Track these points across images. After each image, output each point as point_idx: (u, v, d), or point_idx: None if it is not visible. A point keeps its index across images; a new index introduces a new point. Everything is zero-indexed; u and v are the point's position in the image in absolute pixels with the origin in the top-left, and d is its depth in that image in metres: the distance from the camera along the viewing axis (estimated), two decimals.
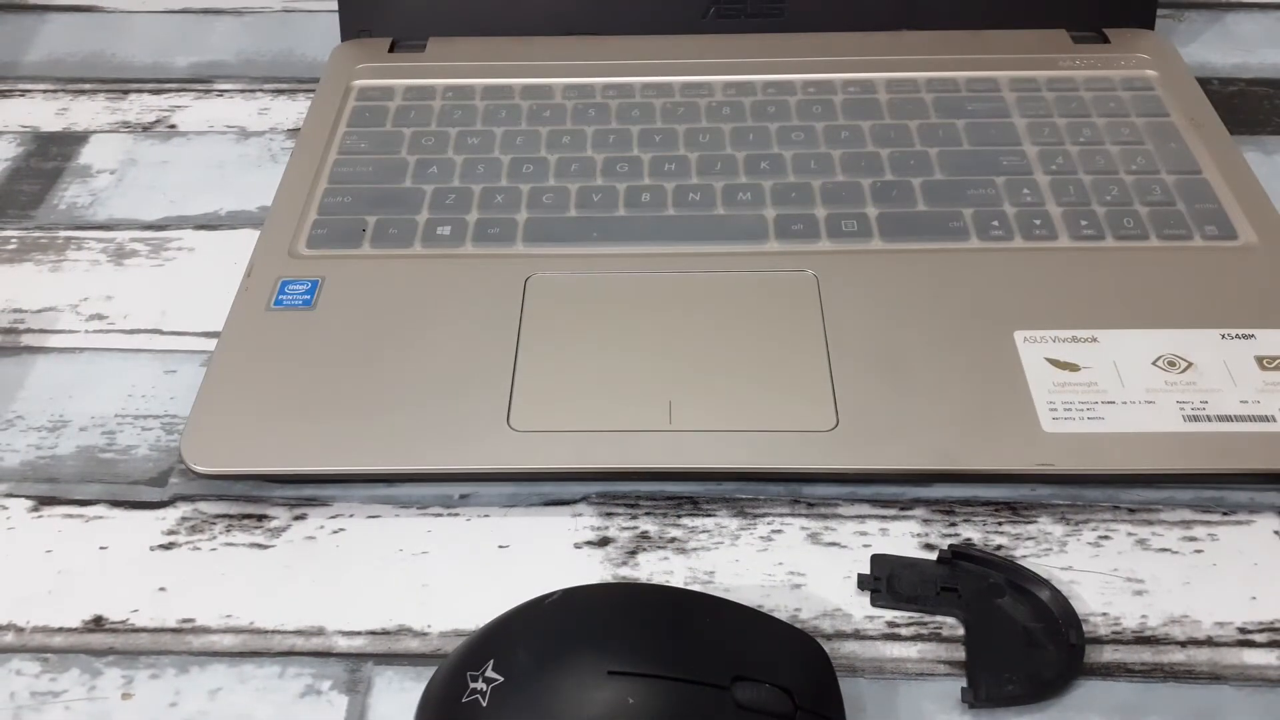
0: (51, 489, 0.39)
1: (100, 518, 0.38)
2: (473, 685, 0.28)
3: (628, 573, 0.36)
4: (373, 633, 0.35)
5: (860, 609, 0.35)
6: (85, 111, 0.56)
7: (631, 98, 0.52)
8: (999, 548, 0.37)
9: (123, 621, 0.35)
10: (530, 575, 0.36)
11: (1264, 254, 0.44)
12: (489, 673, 0.28)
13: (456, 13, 0.56)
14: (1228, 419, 0.38)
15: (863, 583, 0.35)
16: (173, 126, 0.55)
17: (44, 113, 0.56)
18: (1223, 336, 0.40)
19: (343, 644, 0.35)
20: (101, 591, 0.36)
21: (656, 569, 0.36)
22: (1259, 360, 0.39)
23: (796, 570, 0.36)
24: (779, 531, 0.37)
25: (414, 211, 0.47)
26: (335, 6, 0.56)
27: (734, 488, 0.38)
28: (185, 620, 0.35)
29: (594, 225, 0.46)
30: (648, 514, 0.38)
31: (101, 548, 0.37)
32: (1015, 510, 0.38)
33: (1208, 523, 0.37)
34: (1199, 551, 0.36)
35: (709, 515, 0.38)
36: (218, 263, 0.47)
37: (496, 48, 0.56)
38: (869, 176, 0.48)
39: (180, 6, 0.64)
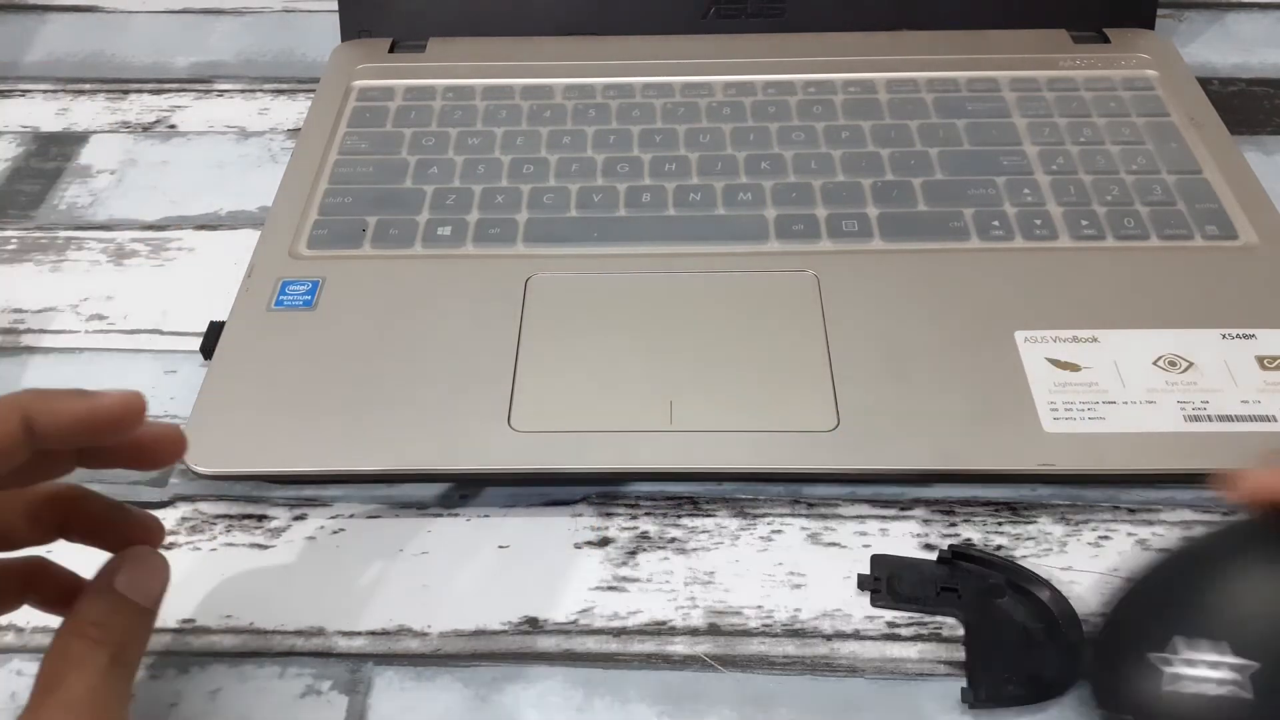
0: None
1: None
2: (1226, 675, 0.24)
3: (628, 573, 0.36)
4: (373, 633, 0.35)
5: (860, 609, 0.35)
6: (85, 111, 0.56)
7: (632, 98, 0.52)
8: (999, 548, 0.37)
9: None
10: (530, 576, 0.36)
11: (1264, 254, 0.44)
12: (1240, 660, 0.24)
13: (456, 13, 0.56)
14: (1228, 419, 0.38)
15: (863, 583, 0.35)
16: (173, 126, 0.55)
17: (44, 113, 0.56)
18: (1223, 336, 0.40)
19: (343, 644, 0.35)
20: None
21: (656, 569, 0.36)
22: (1259, 360, 0.39)
23: (796, 570, 0.36)
24: (779, 532, 0.37)
25: (414, 212, 0.47)
26: (335, 6, 0.56)
27: (734, 488, 0.38)
28: (185, 621, 0.35)
29: (594, 225, 0.46)
30: (648, 514, 0.38)
31: None
32: (1015, 510, 0.38)
33: (1208, 523, 0.37)
34: None
35: (709, 515, 0.38)
36: (218, 263, 0.47)
37: (496, 48, 0.55)
38: (869, 176, 0.48)
39: (180, 6, 0.63)
